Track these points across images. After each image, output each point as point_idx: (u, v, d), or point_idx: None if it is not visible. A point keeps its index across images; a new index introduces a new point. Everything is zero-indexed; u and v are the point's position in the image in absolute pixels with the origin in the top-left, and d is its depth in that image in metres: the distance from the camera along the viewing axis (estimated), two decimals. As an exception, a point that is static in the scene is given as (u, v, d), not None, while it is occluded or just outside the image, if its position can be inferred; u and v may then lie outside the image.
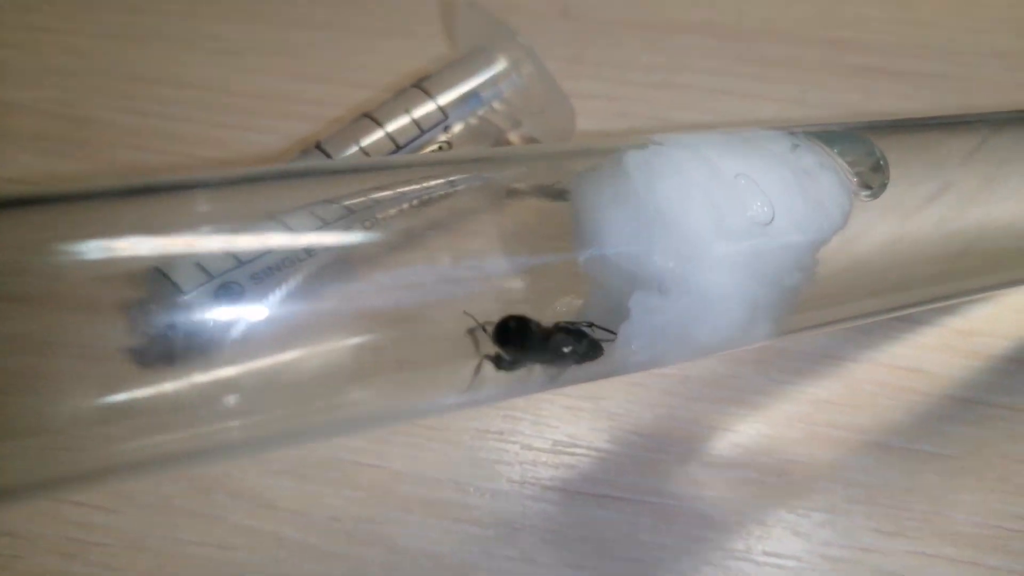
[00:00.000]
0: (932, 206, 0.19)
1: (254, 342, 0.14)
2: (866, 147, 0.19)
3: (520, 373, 0.16)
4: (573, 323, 0.16)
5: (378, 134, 0.23)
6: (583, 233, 0.16)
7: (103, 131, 0.27)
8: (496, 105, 0.25)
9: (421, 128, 0.23)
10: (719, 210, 0.15)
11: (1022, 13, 0.33)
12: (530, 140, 0.27)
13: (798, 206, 0.16)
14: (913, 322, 0.24)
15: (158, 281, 0.20)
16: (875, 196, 0.18)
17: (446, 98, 0.24)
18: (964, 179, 0.19)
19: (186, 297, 0.19)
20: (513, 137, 0.27)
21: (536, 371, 0.16)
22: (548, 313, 0.16)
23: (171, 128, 0.27)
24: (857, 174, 0.18)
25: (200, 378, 0.13)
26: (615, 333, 0.15)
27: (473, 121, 0.24)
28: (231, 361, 0.14)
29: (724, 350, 0.17)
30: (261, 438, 0.14)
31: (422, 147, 0.24)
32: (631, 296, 0.15)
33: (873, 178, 0.18)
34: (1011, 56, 0.31)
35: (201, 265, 0.20)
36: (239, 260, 0.20)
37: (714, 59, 0.31)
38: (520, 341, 0.15)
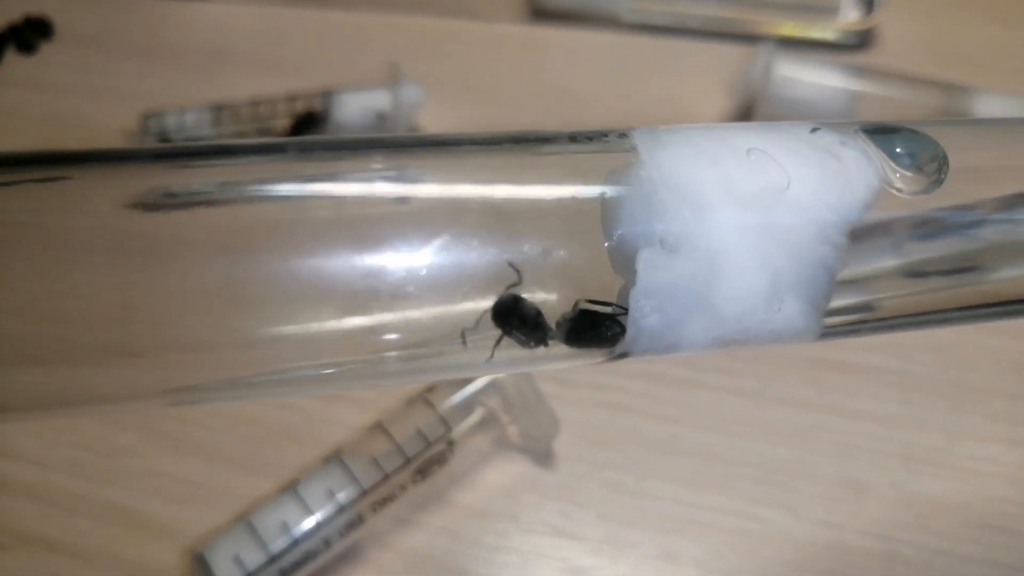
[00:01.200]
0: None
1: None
2: (925, 143, 0.18)
3: (543, 350, 0.16)
4: (594, 302, 0.16)
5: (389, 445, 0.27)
6: (605, 224, 0.16)
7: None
8: (493, 404, 0.29)
9: (427, 439, 0.28)
10: (728, 175, 0.15)
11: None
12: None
13: (816, 177, 0.16)
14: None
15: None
16: (928, 191, 0.18)
17: (446, 407, 0.28)
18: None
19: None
20: (512, 431, 0.30)
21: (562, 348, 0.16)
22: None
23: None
24: (906, 166, 0.17)
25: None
26: (624, 307, 0.15)
27: (475, 420, 0.29)
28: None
29: (756, 334, 0.16)
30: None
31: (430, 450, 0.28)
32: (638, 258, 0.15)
33: (928, 169, 0.17)
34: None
35: (239, 558, 0.24)
36: (272, 557, 0.25)
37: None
38: (513, 319, 0.16)
